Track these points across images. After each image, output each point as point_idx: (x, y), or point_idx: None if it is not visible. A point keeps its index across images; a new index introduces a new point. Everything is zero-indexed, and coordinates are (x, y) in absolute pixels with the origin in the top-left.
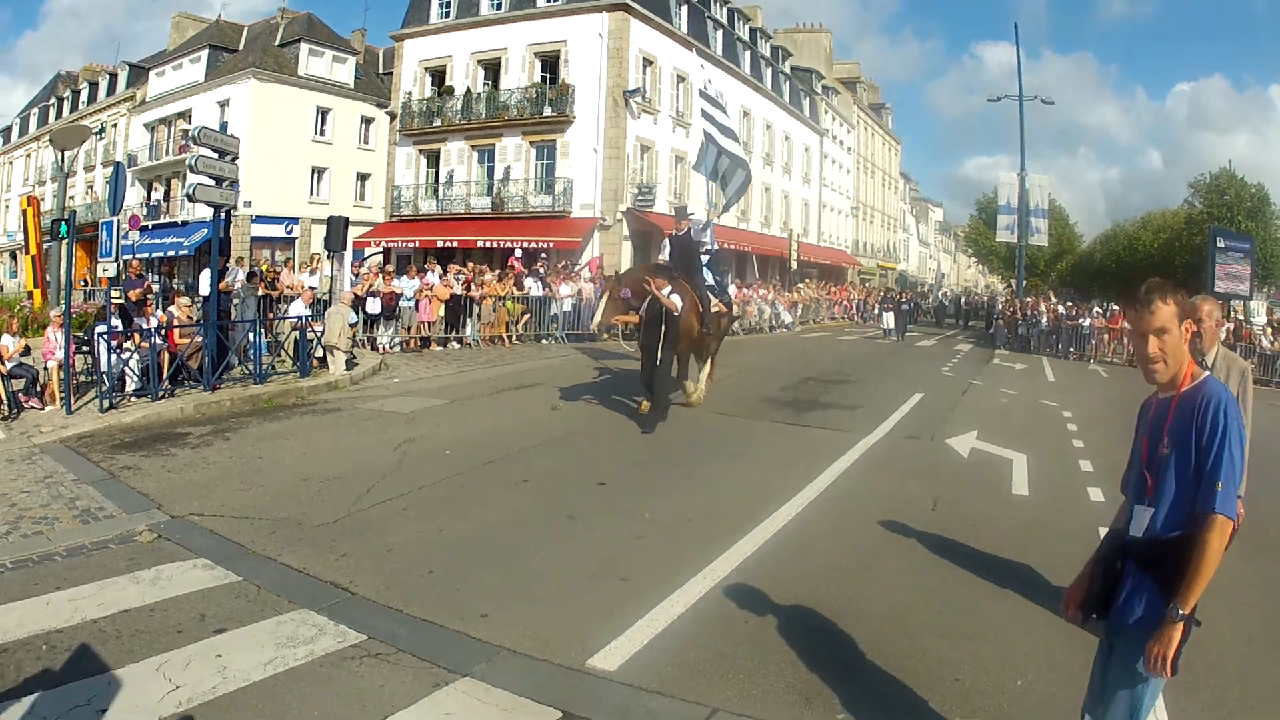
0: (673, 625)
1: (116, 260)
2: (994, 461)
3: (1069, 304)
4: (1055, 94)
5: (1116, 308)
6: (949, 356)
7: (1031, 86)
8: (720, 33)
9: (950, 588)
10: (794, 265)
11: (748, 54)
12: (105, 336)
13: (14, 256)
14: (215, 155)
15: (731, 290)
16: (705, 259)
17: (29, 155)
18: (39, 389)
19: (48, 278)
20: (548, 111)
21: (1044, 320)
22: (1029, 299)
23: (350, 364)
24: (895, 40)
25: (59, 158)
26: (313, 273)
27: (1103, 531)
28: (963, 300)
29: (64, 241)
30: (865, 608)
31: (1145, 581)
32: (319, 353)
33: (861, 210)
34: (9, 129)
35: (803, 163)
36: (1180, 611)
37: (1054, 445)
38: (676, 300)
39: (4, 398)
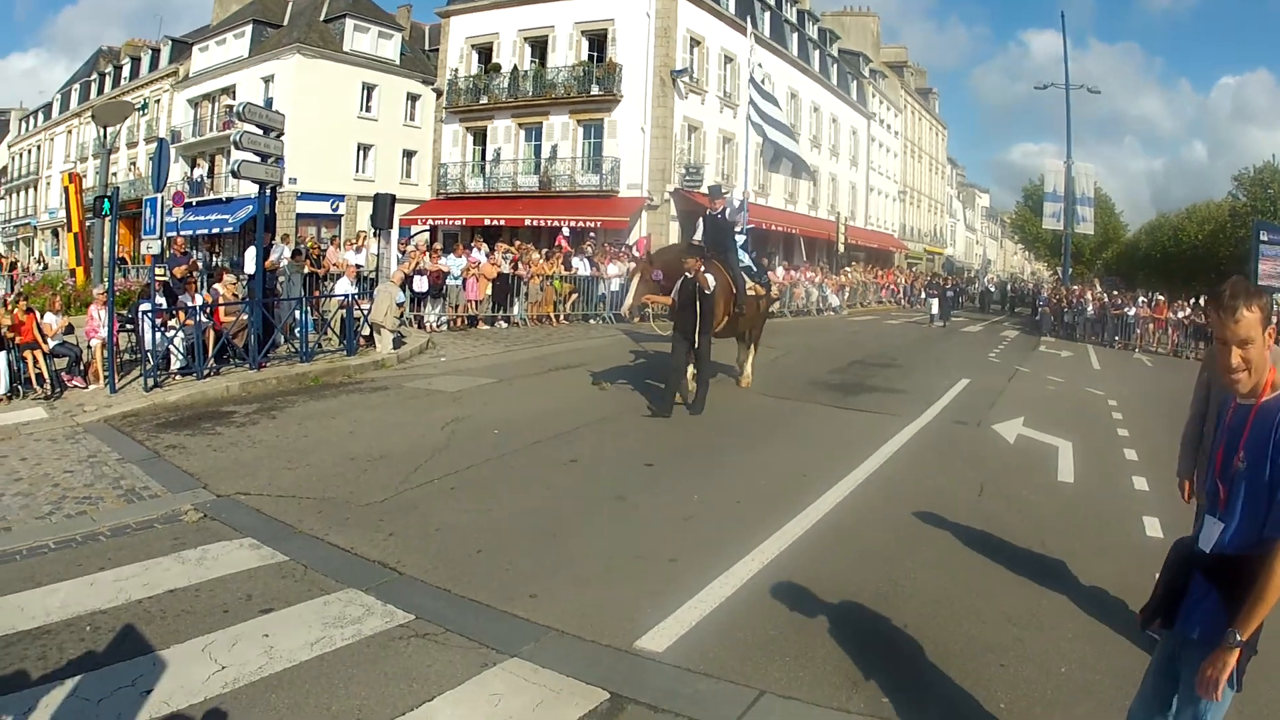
0: (720, 607)
1: (161, 237)
2: (1040, 448)
3: (1114, 293)
4: (1101, 83)
5: (1161, 297)
6: (995, 343)
7: (1078, 75)
8: (768, 14)
9: (995, 574)
10: (841, 248)
11: (795, 36)
12: (149, 314)
13: (56, 234)
14: (260, 132)
15: (779, 272)
16: (741, 239)
17: (70, 131)
18: (82, 368)
19: (90, 255)
20: (595, 90)
21: (1090, 308)
22: (1075, 287)
23: (398, 343)
24: (942, 25)
25: (101, 134)
26: (359, 250)
27: (1147, 521)
28: (1008, 287)
29: (107, 219)
30: (911, 592)
31: (1210, 597)
32: (366, 331)
33: (908, 194)
34: (50, 105)
35: (850, 146)
36: (1238, 637)
37: (1099, 433)
38: (710, 278)
39: (47, 377)
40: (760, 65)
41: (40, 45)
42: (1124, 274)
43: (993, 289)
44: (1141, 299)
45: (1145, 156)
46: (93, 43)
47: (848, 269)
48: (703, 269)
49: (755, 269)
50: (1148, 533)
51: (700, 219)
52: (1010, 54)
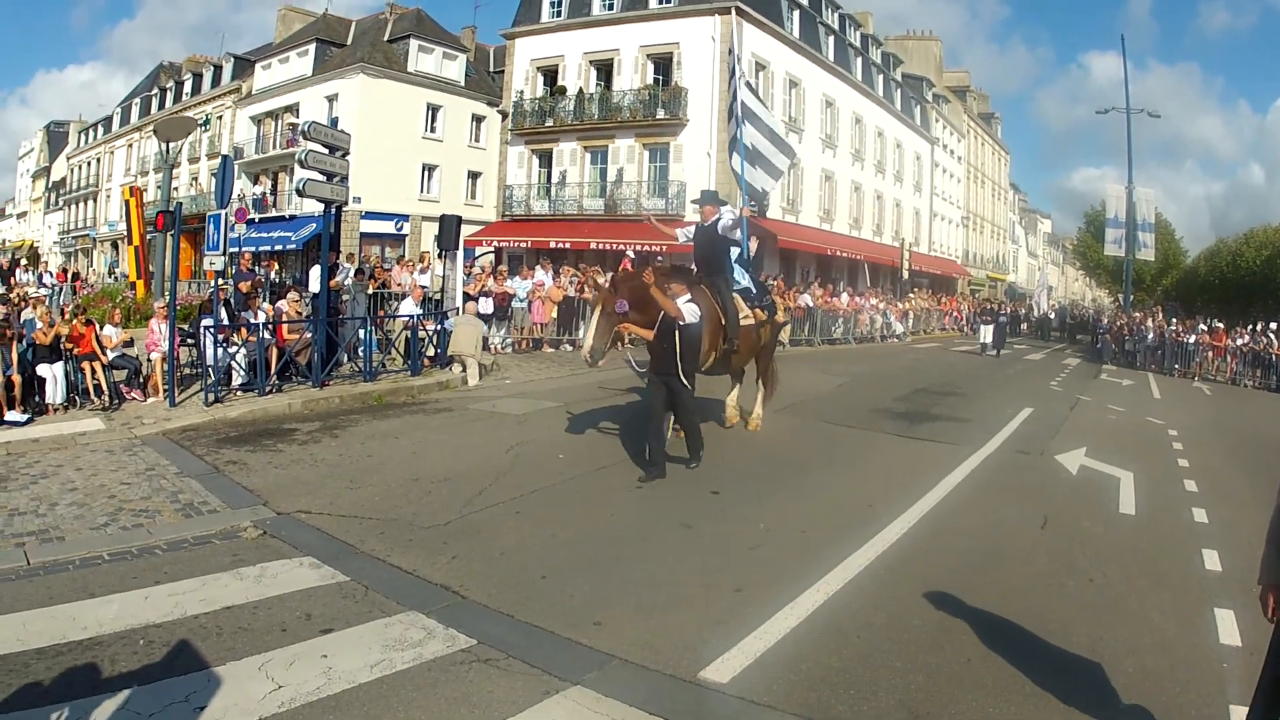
0: (785, 638)
1: (224, 253)
2: (1102, 479)
3: (1173, 320)
4: (1162, 105)
5: (1219, 324)
6: (1057, 370)
7: (1139, 98)
8: (832, 38)
9: (1059, 608)
10: (905, 274)
11: (859, 60)
12: (212, 329)
13: (116, 246)
14: (326, 150)
15: (844, 299)
16: (735, 253)
17: (130, 145)
18: (141, 381)
19: (151, 269)
20: (660, 114)
21: (1150, 335)
22: (1136, 314)
23: (482, 372)
24: (1005, 48)
25: (163, 149)
26: (423, 271)
27: (1206, 554)
28: (1068, 314)
29: (169, 234)
30: (975, 625)
31: None
32: (430, 352)
33: (971, 220)
34: (110, 118)
35: (914, 171)
36: None
37: (1160, 464)
38: (692, 309)
39: (105, 388)
40: (736, 56)
41: (97, 58)
42: (1183, 300)
43: (1052, 316)
44: (1201, 326)
45: (1204, 180)
46: (150, 56)
47: (912, 295)
48: (685, 299)
49: (755, 290)
50: (1206, 566)
51: (693, 227)
52: (1072, 77)
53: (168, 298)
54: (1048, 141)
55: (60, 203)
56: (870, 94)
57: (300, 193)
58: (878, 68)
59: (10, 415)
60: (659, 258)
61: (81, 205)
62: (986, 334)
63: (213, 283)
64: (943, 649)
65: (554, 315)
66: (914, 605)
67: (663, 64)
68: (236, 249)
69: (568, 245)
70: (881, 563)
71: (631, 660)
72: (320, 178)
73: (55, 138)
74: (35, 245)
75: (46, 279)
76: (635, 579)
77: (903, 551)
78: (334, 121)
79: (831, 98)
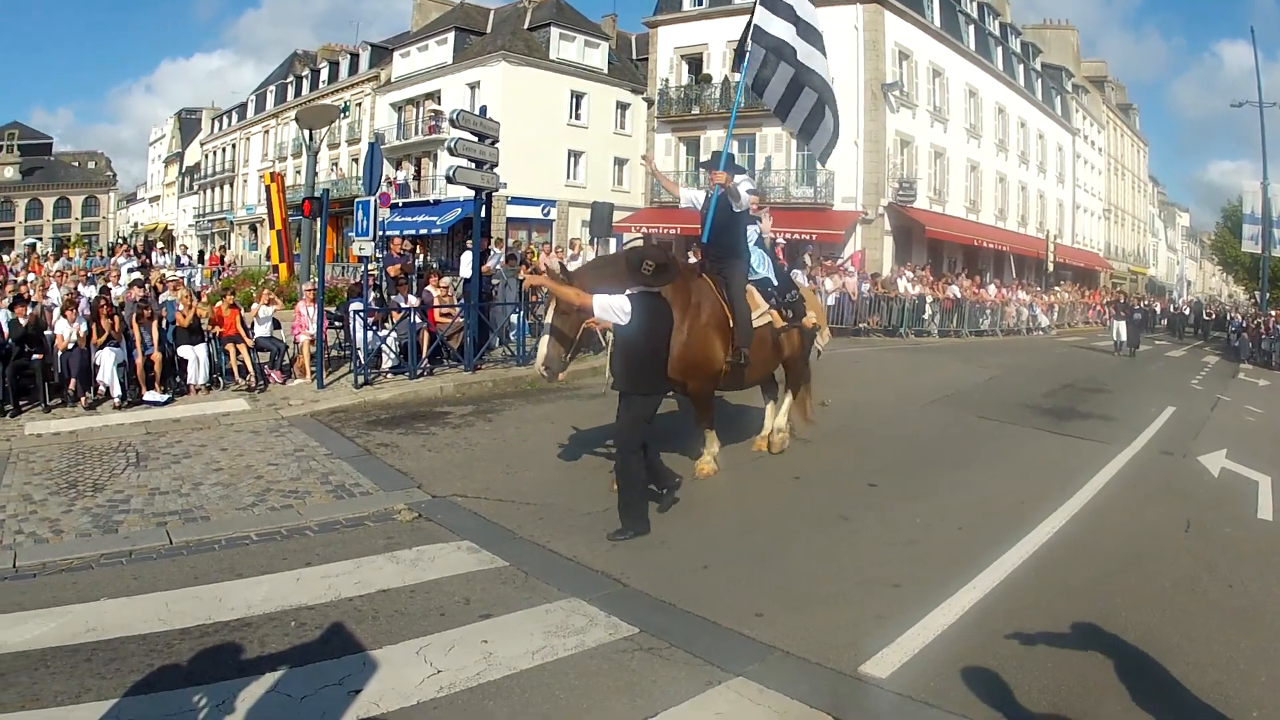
0: (942, 635)
1: (374, 239)
2: (1241, 483)
3: None
4: None
5: None
6: (1198, 368)
7: (1270, 89)
8: (972, 27)
9: (1202, 614)
10: (1050, 267)
11: (999, 49)
12: (361, 313)
13: (254, 229)
14: (475, 138)
15: (990, 290)
16: (754, 233)
17: (267, 132)
18: (286, 363)
19: (295, 252)
20: None
21: None
22: (1273, 312)
23: None
24: (1139, 36)
25: (305, 136)
26: (574, 258)
27: None
28: (1203, 310)
29: (316, 219)
30: (1121, 628)
31: None
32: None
33: (1113, 213)
34: (244, 105)
35: (1056, 162)
36: None
37: None
38: (619, 303)
39: (250, 369)
40: None
41: (225, 47)
42: None
43: (1187, 311)
44: None
45: None
46: (278, 45)
47: (1058, 288)
48: (626, 291)
49: (774, 282)
50: None
51: (700, 199)
52: (1205, 65)
53: (315, 281)
54: (1184, 132)
55: (195, 187)
56: (1012, 84)
57: (450, 179)
58: (1018, 57)
59: (149, 395)
60: (809, 246)
61: (217, 190)
62: (1120, 331)
63: (358, 266)
64: (1091, 652)
65: None
66: (1064, 606)
67: None
68: (384, 233)
69: None
70: (1034, 562)
71: (792, 652)
72: (470, 165)
73: (187, 124)
74: (170, 228)
75: (184, 260)
76: (795, 571)
77: (1053, 551)
78: (483, 110)
79: (974, 87)
